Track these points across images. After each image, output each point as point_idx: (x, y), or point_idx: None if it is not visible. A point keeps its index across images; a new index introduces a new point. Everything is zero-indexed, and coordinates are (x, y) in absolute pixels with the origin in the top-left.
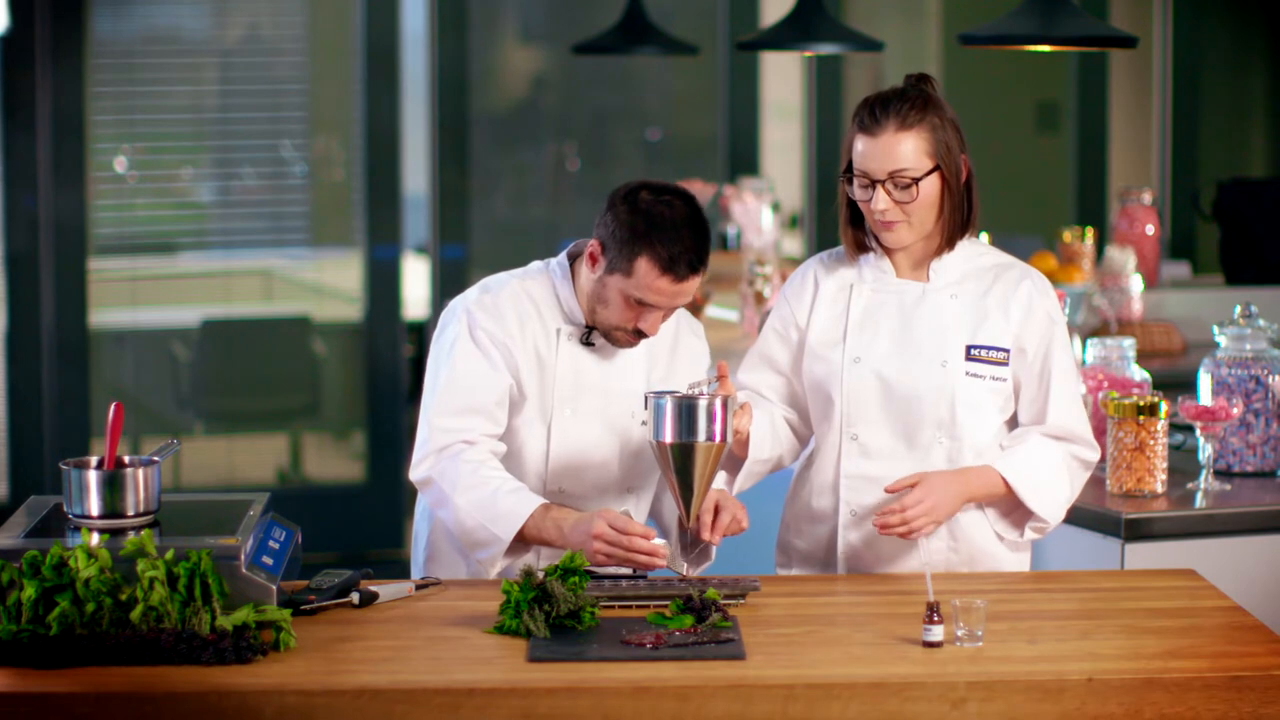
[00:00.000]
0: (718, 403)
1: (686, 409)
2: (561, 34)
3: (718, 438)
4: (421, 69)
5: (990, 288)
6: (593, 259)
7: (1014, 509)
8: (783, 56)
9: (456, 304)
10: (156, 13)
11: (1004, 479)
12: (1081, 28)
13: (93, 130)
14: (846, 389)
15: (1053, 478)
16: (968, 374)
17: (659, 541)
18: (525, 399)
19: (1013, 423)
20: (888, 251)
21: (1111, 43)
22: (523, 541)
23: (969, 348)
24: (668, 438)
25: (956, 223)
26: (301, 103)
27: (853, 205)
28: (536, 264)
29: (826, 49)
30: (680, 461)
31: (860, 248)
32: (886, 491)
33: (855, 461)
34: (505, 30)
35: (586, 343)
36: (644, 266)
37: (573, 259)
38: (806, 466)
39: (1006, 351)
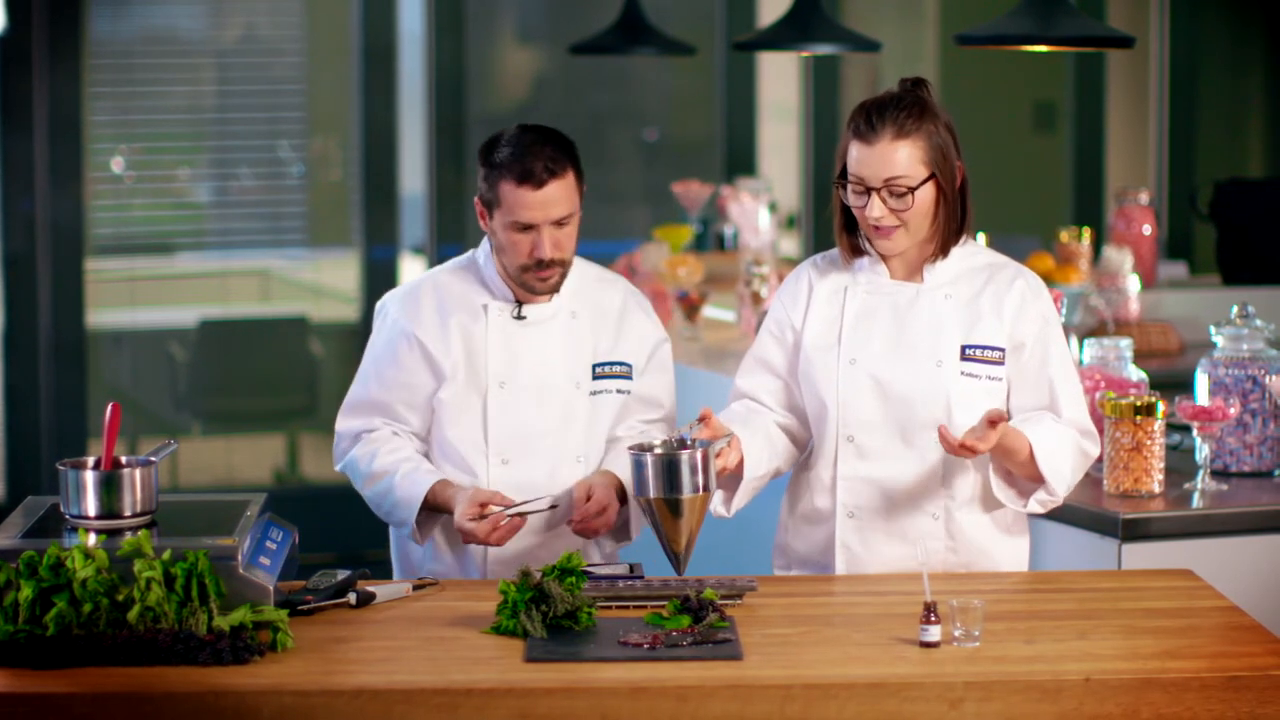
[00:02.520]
0: (699, 455)
1: (668, 465)
2: (558, 34)
3: (702, 489)
4: (419, 69)
5: (984, 288)
6: (481, 217)
7: (1021, 478)
8: (780, 57)
9: (384, 299)
10: (154, 13)
11: (1029, 444)
12: (1078, 28)
13: (90, 131)
14: (842, 391)
15: (1067, 457)
16: (963, 374)
17: (537, 503)
18: (457, 379)
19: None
20: (882, 256)
21: (1109, 43)
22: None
23: (964, 348)
24: (652, 493)
25: (951, 229)
26: (299, 103)
27: (847, 210)
28: (467, 253)
29: (824, 49)
30: (667, 515)
31: (855, 252)
32: (988, 417)
33: (851, 463)
34: (502, 30)
35: (519, 317)
36: (506, 189)
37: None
38: (804, 468)
39: (1001, 351)
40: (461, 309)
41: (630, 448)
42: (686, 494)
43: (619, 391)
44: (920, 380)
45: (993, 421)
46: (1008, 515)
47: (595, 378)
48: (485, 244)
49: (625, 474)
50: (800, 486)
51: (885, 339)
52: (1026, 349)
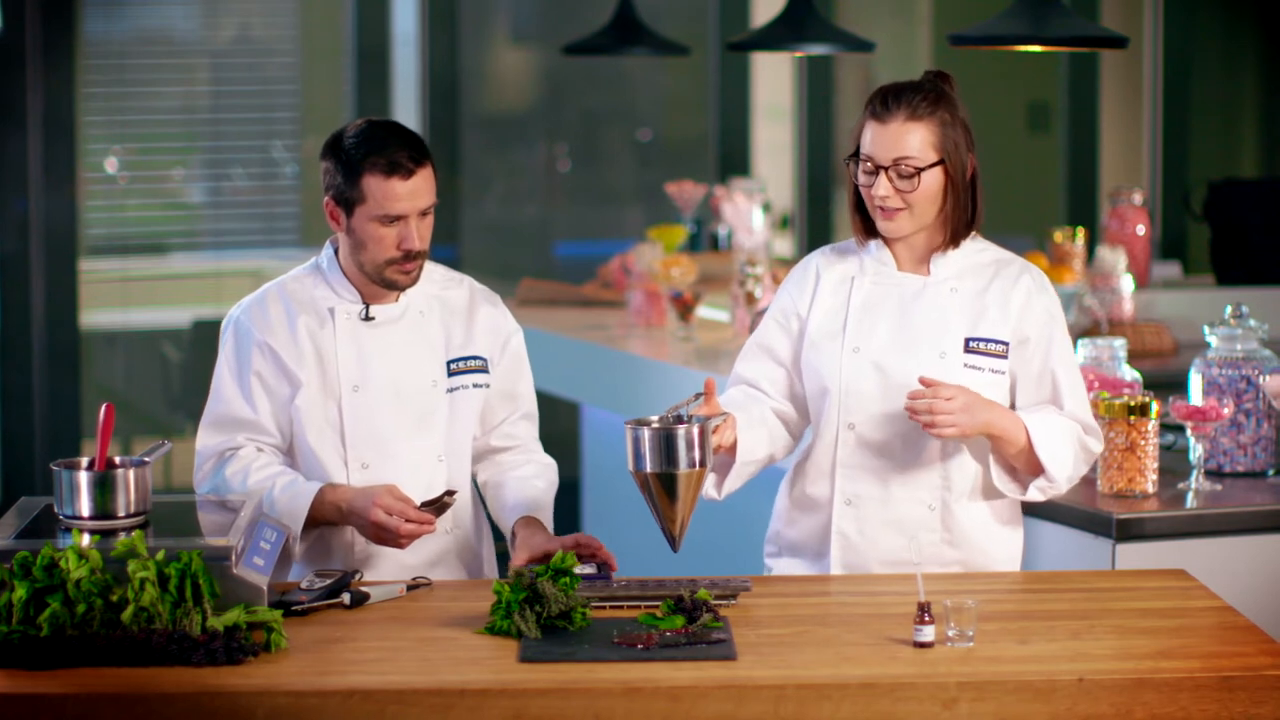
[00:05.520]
0: (695, 430)
1: (665, 439)
2: (552, 35)
3: (698, 464)
4: (412, 70)
5: (990, 283)
6: (333, 217)
7: (1021, 466)
8: (773, 57)
9: (230, 313)
10: (147, 13)
11: (1026, 430)
12: (1072, 28)
13: (84, 131)
14: (845, 379)
15: (1067, 445)
16: (966, 366)
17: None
18: (308, 385)
19: None
20: (890, 244)
21: (1102, 43)
22: (313, 526)
23: (968, 340)
24: (648, 467)
25: (960, 220)
26: (292, 103)
27: (859, 191)
28: (310, 260)
29: (817, 49)
30: (662, 490)
31: (866, 233)
32: (921, 383)
33: (852, 451)
34: (496, 31)
35: (367, 319)
36: (372, 183)
37: (336, 248)
38: (804, 457)
39: (1005, 344)
40: (308, 313)
41: (627, 422)
42: (682, 469)
43: (476, 386)
44: (923, 371)
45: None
46: (1003, 509)
47: (451, 374)
48: (327, 248)
49: (521, 494)
50: (798, 473)
51: (890, 329)
52: (1031, 344)
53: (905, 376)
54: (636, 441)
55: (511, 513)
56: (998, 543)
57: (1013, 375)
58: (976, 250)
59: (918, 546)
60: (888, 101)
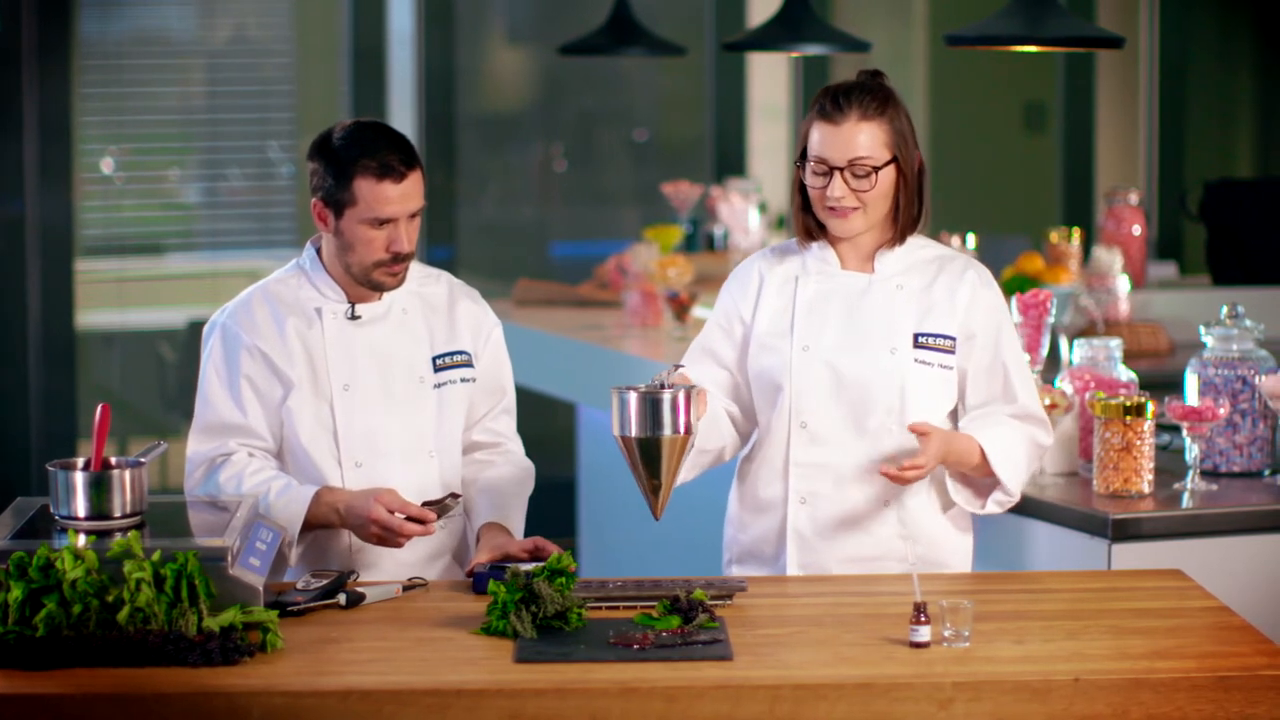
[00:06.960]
0: (681, 395)
1: (651, 403)
2: (548, 35)
3: (683, 430)
4: (408, 69)
5: (935, 279)
6: (321, 218)
7: (976, 481)
8: (770, 57)
9: (213, 319)
10: (143, 14)
11: (982, 450)
12: (1068, 28)
13: (80, 131)
14: (796, 377)
15: (1020, 456)
16: (916, 361)
17: (433, 524)
18: (298, 386)
19: (954, 416)
20: (834, 243)
21: (1098, 43)
22: (309, 529)
23: (917, 335)
24: (633, 431)
25: (910, 216)
26: (288, 103)
27: (805, 192)
28: (291, 262)
29: (813, 50)
30: (646, 455)
31: (811, 235)
32: (911, 430)
33: (805, 449)
34: (492, 31)
35: (353, 318)
36: (363, 185)
37: (318, 248)
38: (749, 459)
39: (953, 340)
40: (295, 315)
41: (614, 388)
42: (667, 433)
43: (463, 380)
44: (874, 367)
45: (922, 433)
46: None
47: (437, 370)
48: (309, 249)
49: (490, 499)
50: (745, 477)
51: (838, 327)
52: (980, 338)
53: (856, 373)
54: (622, 405)
55: (478, 516)
56: (951, 534)
57: (962, 371)
58: (918, 247)
59: (913, 547)
60: (839, 102)
